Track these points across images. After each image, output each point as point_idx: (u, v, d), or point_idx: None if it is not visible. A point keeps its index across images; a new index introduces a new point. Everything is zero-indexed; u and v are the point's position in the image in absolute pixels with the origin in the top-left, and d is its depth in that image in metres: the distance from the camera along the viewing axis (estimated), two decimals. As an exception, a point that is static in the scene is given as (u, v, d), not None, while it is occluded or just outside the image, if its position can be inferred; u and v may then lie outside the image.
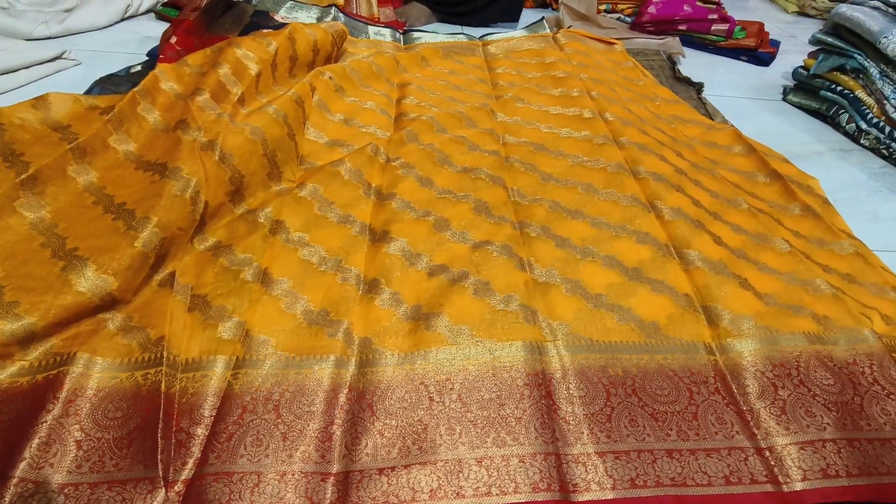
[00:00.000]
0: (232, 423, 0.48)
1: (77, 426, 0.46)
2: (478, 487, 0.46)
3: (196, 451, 0.47)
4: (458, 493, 0.46)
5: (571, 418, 0.52)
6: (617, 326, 0.60)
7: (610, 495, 0.47)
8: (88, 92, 0.95)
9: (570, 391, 0.54)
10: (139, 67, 1.05)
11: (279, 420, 0.49)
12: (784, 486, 0.48)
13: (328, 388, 0.52)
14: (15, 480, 0.42)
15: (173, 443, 0.47)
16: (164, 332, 0.52)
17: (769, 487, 0.48)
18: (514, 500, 0.45)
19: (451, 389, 0.52)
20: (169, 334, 0.52)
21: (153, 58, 1.06)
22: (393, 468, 0.47)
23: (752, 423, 0.52)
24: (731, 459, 0.49)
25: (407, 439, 0.49)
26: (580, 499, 0.46)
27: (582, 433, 0.51)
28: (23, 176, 0.62)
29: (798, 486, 0.48)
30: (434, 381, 0.53)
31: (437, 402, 0.51)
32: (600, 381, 0.55)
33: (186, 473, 0.46)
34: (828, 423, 0.52)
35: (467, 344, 0.56)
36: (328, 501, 0.45)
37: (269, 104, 0.82)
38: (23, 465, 0.43)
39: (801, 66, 1.30)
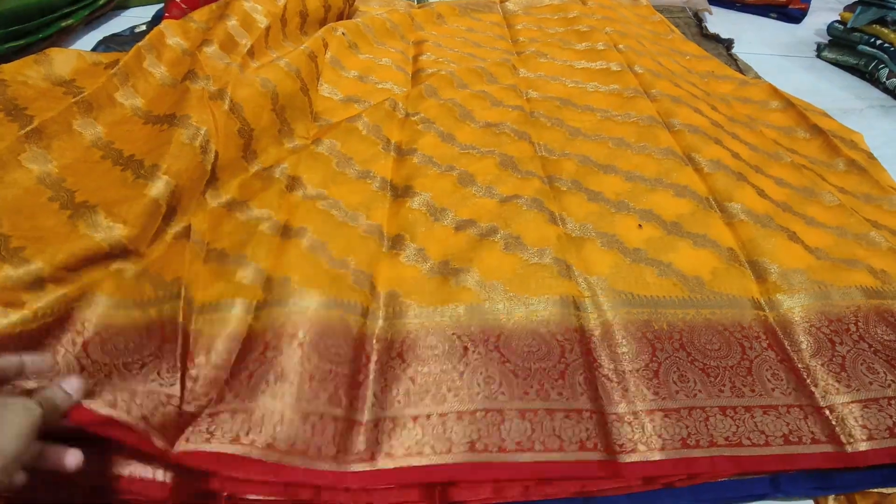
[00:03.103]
0: (252, 362, 0.44)
1: (84, 355, 0.43)
2: (520, 441, 0.42)
3: (213, 392, 0.43)
4: (499, 447, 0.42)
5: (614, 375, 0.48)
6: (657, 281, 0.56)
7: (658, 456, 0.43)
8: (94, 50, 0.91)
9: (612, 347, 0.50)
10: (144, 27, 1.01)
11: (305, 359, 0.44)
12: (847, 447, 0.44)
13: (355, 336, 0.48)
14: None
15: (190, 376, 0.43)
16: (180, 274, 0.48)
17: (830, 448, 0.44)
18: (560, 458, 0.42)
19: (486, 340, 0.48)
20: (186, 277, 0.48)
21: (159, 18, 1.02)
22: (428, 416, 0.43)
23: (808, 381, 0.48)
24: (790, 417, 0.45)
25: (442, 386, 0.45)
26: (627, 460, 0.43)
27: (627, 390, 0.47)
28: (27, 129, 0.58)
29: (862, 447, 0.44)
30: (467, 332, 0.49)
31: (473, 351, 0.48)
32: (644, 336, 0.51)
33: (199, 407, 0.42)
34: (892, 380, 0.48)
35: (501, 299, 0.52)
36: (356, 449, 0.41)
37: (280, 58, 0.78)
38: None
39: (836, 21, 1.23)
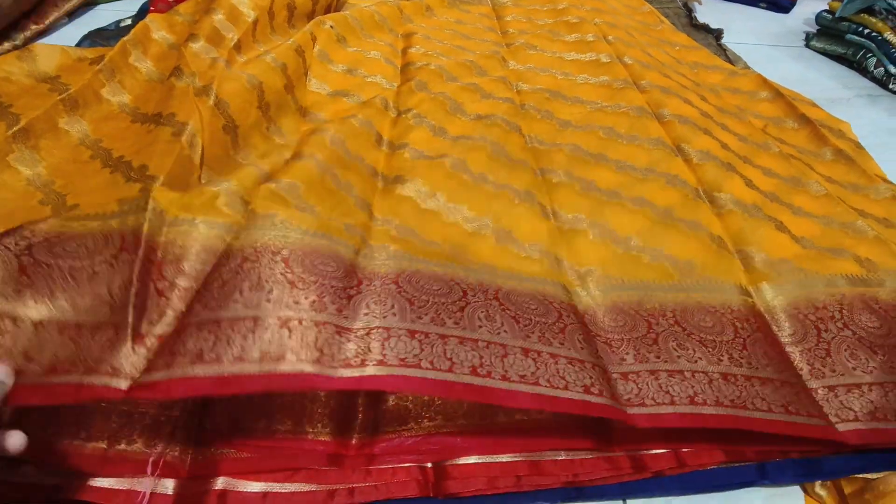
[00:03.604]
0: (227, 272, 0.38)
1: (27, 254, 0.38)
2: (524, 375, 0.40)
3: (179, 304, 0.37)
4: (503, 376, 0.40)
5: (615, 342, 0.48)
6: (649, 265, 0.56)
7: (668, 410, 0.43)
8: (78, 46, 0.90)
9: (607, 321, 0.50)
10: (129, 21, 0.99)
11: (288, 270, 0.39)
12: (839, 426, 0.45)
13: (348, 264, 0.44)
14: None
15: (152, 291, 0.37)
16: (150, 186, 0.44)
17: (823, 423, 0.45)
18: (566, 396, 0.40)
19: (485, 291, 0.47)
20: (156, 190, 0.42)
21: (143, 12, 1.01)
22: (426, 333, 0.40)
23: (796, 365, 0.49)
24: (785, 391, 0.46)
25: (442, 314, 0.42)
26: (636, 412, 0.42)
27: (628, 353, 0.47)
28: (14, 129, 0.58)
29: (851, 426, 0.45)
30: (465, 281, 0.47)
31: (471, 295, 0.45)
32: (638, 314, 0.51)
33: (163, 328, 0.36)
34: (874, 367, 0.49)
35: (495, 276, 0.51)
36: (344, 356, 0.37)
37: (266, 53, 0.77)
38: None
39: (825, 10, 1.24)
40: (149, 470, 0.40)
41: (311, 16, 0.97)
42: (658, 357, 0.46)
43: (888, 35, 1.10)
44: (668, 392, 0.44)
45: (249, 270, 0.38)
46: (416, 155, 0.69)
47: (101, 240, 0.40)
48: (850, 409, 0.46)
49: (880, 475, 0.45)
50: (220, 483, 0.42)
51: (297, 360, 0.35)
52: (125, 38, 0.74)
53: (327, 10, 1.02)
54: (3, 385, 0.33)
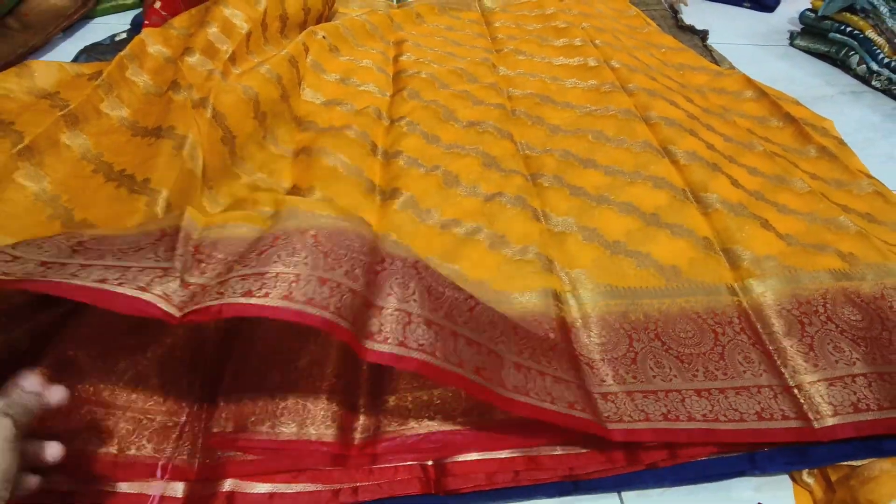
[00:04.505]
0: (263, 245, 0.41)
1: (78, 245, 0.40)
2: (517, 386, 0.43)
3: (219, 267, 0.40)
4: (500, 383, 0.42)
5: (595, 364, 0.50)
6: (636, 272, 0.58)
7: (643, 426, 0.46)
8: (74, 61, 0.91)
9: (592, 339, 0.52)
10: (124, 35, 1.01)
11: (318, 244, 0.41)
12: (815, 423, 0.47)
13: (371, 242, 0.45)
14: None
15: (191, 258, 0.40)
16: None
17: (799, 424, 0.47)
18: (552, 409, 0.43)
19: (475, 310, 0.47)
20: (189, 210, 0.46)
21: (137, 25, 1.02)
22: (441, 326, 0.42)
23: (778, 363, 0.51)
24: (761, 397, 0.48)
25: (454, 311, 0.44)
26: (615, 427, 0.45)
27: (608, 375, 0.49)
28: (19, 146, 0.59)
29: (829, 422, 0.47)
30: (457, 309, 0.47)
31: (475, 309, 0.47)
32: (621, 328, 0.53)
33: (206, 280, 0.39)
34: (857, 358, 0.51)
35: (486, 296, 0.54)
36: (369, 331, 0.39)
37: (261, 64, 0.79)
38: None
39: (808, 9, 1.26)
40: (158, 474, 0.41)
41: (303, 26, 0.99)
42: (635, 378, 0.49)
43: (869, 33, 1.12)
44: (643, 410, 0.47)
45: (284, 243, 0.40)
46: (409, 162, 0.71)
47: (143, 235, 0.42)
48: (831, 403, 0.48)
49: (864, 462, 0.47)
50: (228, 485, 0.43)
51: (338, 313, 0.37)
52: (122, 53, 0.76)
53: (318, 21, 1.04)
54: (38, 398, 0.34)
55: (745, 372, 0.50)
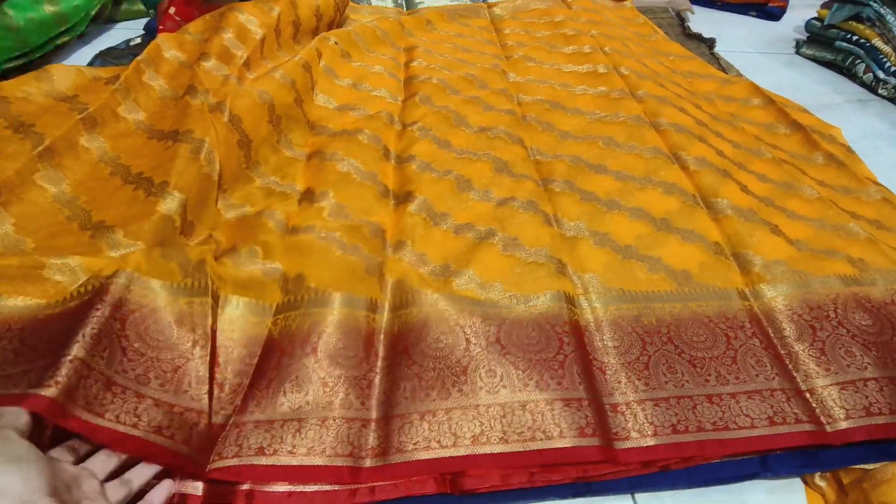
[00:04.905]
0: (270, 370, 0.47)
1: (122, 331, 0.43)
2: (522, 432, 0.45)
3: (237, 400, 0.46)
4: (502, 439, 0.45)
5: (608, 368, 0.51)
6: (647, 276, 0.59)
7: (651, 442, 0.46)
8: (90, 65, 0.93)
9: (605, 342, 0.53)
10: (139, 40, 1.02)
11: (317, 364, 0.48)
12: (827, 427, 0.47)
13: (365, 335, 0.51)
14: (69, 358, 0.39)
15: (216, 382, 0.46)
16: (203, 256, 0.50)
17: (812, 427, 0.47)
18: (560, 445, 0.44)
19: (487, 332, 0.51)
20: (210, 263, 0.50)
21: (151, 30, 1.04)
22: (434, 412, 0.46)
23: (790, 367, 0.51)
24: (773, 401, 0.48)
25: (446, 382, 0.48)
26: (622, 446, 0.46)
27: (619, 382, 0.50)
28: (39, 148, 0.60)
29: (842, 426, 0.47)
30: (469, 323, 0.51)
31: (475, 343, 0.50)
32: (634, 331, 0.54)
33: (225, 417, 0.45)
34: (868, 363, 0.51)
35: (500, 298, 0.54)
36: (370, 447, 0.45)
37: (275, 69, 0.80)
38: (76, 346, 0.39)
39: (814, 18, 1.27)
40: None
41: (315, 32, 1.00)
42: (647, 385, 0.50)
43: (876, 41, 1.13)
44: (651, 423, 0.47)
45: (288, 368, 0.48)
46: (422, 167, 0.72)
47: (176, 323, 0.46)
48: (843, 407, 0.48)
49: (877, 465, 0.47)
50: (247, 483, 0.43)
51: (335, 454, 0.44)
52: (139, 58, 0.77)
53: (330, 27, 1.05)
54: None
55: (757, 376, 0.50)
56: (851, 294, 0.56)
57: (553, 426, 0.45)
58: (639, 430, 0.47)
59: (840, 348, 0.52)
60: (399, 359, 0.49)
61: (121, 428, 0.39)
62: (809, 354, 0.52)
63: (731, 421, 0.47)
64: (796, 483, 0.49)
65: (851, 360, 0.51)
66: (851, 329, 0.53)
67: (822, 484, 0.48)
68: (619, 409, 0.48)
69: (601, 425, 0.47)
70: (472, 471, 0.44)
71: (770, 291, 0.57)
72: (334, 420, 0.45)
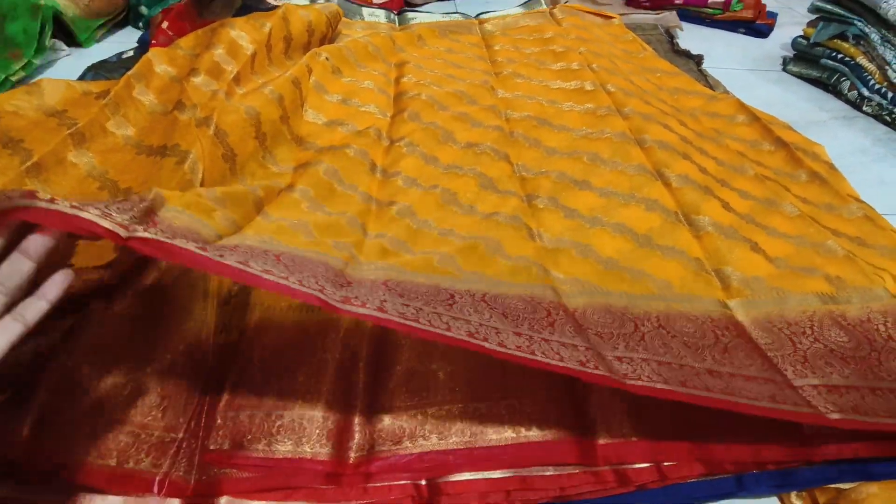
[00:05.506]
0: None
1: None
2: (520, 346, 0.43)
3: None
4: (499, 343, 0.42)
5: (605, 334, 0.50)
6: (631, 282, 0.59)
7: (661, 386, 0.44)
8: (81, 78, 0.93)
9: (596, 320, 0.53)
10: (131, 53, 1.03)
11: (280, 263, 0.43)
12: (827, 415, 0.47)
13: (336, 271, 0.48)
14: None
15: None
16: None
17: (812, 411, 0.46)
18: (563, 365, 0.42)
19: (472, 294, 0.50)
20: None
21: (144, 44, 1.05)
22: (420, 308, 0.44)
23: (779, 365, 0.51)
24: (772, 385, 0.48)
25: (432, 303, 0.46)
26: (632, 383, 0.43)
27: (618, 346, 0.49)
28: (27, 163, 0.61)
29: (835, 416, 0.46)
30: (452, 288, 0.50)
31: (459, 297, 0.48)
32: (625, 315, 0.54)
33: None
34: (849, 373, 0.51)
35: (483, 283, 0.54)
36: (344, 296, 0.41)
37: (265, 85, 0.81)
38: None
39: (800, 36, 1.29)
40: (155, 489, 0.42)
41: (307, 47, 1.01)
42: (647, 350, 0.49)
43: (860, 60, 1.15)
44: (660, 375, 0.45)
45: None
46: (408, 182, 0.72)
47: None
48: (834, 404, 0.48)
49: (852, 485, 0.47)
50: (224, 502, 0.43)
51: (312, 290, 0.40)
52: (129, 73, 0.78)
53: (322, 42, 1.06)
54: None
55: (750, 366, 0.50)
56: (827, 311, 0.57)
57: (552, 353, 0.43)
58: (648, 376, 0.45)
59: (820, 359, 0.52)
60: (377, 287, 0.48)
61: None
62: (793, 360, 0.52)
63: (736, 391, 0.45)
64: (772, 502, 0.49)
65: (832, 369, 0.51)
66: (829, 345, 0.54)
67: (799, 503, 0.48)
68: (623, 360, 0.47)
69: (605, 365, 0.44)
70: (445, 467, 0.46)
71: (748, 306, 0.58)
72: (315, 279, 0.42)
